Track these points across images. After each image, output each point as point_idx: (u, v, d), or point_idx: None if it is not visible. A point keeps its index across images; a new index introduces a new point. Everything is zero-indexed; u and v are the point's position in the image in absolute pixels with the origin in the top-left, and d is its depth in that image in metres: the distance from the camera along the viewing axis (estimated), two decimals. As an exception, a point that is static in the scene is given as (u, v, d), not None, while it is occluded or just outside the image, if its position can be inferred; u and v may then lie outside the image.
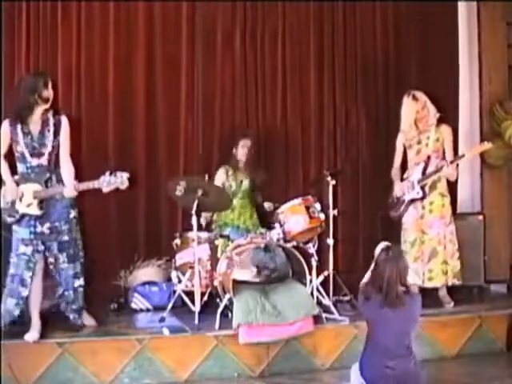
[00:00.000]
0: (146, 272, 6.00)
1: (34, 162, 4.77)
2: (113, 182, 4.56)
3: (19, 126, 4.77)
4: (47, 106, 4.82)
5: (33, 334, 4.69)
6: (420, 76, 6.78)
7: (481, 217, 6.53)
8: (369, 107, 6.85)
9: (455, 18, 6.91)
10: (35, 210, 4.74)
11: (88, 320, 5.11)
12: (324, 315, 5.14)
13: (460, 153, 5.90)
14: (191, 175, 5.87)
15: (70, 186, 4.71)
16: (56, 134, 4.81)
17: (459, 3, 6.92)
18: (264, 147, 6.57)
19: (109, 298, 5.88)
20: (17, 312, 4.76)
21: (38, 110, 4.79)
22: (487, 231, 6.47)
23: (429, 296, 5.68)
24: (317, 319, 5.06)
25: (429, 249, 5.60)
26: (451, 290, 5.75)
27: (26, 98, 4.74)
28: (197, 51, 6.46)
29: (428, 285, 5.61)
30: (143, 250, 6.21)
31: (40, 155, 4.78)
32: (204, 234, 5.65)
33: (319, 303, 5.27)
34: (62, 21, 6.05)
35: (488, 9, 6.78)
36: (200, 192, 5.19)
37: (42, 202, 4.75)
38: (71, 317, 4.96)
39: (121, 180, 4.56)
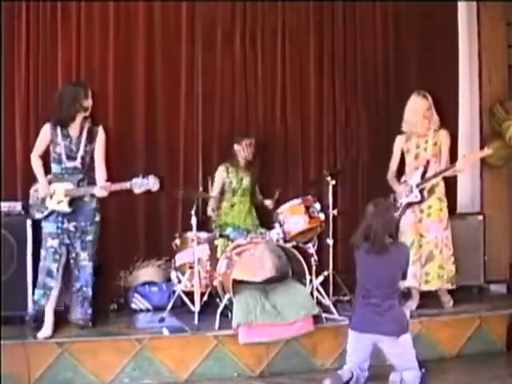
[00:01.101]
0: (146, 272, 6.00)
1: (70, 164, 5.01)
2: (145, 184, 4.78)
3: (59, 129, 5.02)
4: (87, 114, 5.06)
5: (45, 332, 4.76)
6: (420, 76, 6.77)
7: (481, 217, 6.53)
8: (369, 107, 6.83)
9: (455, 17, 6.91)
10: (65, 208, 4.94)
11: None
12: (324, 315, 5.15)
13: (460, 156, 5.90)
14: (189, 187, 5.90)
15: (101, 186, 4.90)
16: (91, 140, 5.05)
17: (459, 3, 6.92)
18: (264, 147, 6.56)
19: (109, 298, 5.89)
20: (43, 302, 4.88)
21: (79, 118, 5.04)
22: (487, 231, 6.47)
23: (429, 296, 5.71)
24: (317, 319, 5.07)
25: (426, 252, 5.60)
26: (451, 290, 5.74)
27: (68, 107, 5.00)
28: (197, 51, 6.45)
29: (424, 288, 5.62)
30: (143, 250, 6.20)
31: (75, 158, 5.01)
32: (204, 234, 5.65)
33: (319, 303, 5.28)
34: (61, 21, 6.05)
35: (488, 9, 6.78)
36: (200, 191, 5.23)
37: (72, 201, 4.94)
38: (81, 312, 5.00)
39: (153, 182, 4.77)
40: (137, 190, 4.81)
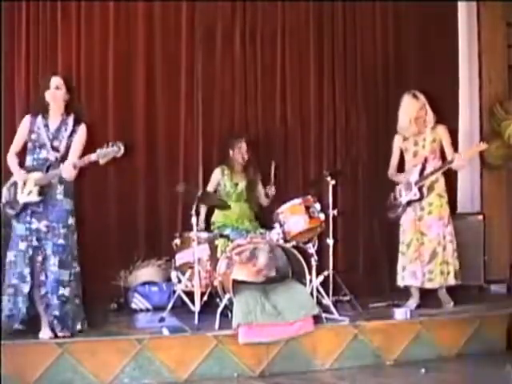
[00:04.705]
0: (146, 272, 6.01)
1: (43, 154, 4.82)
2: (109, 151, 4.58)
3: (40, 118, 4.87)
4: (57, 105, 4.85)
5: (47, 331, 4.71)
6: (420, 76, 6.78)
7: (481, 217, 6.54)
8: (369, 107, 6.84)
9: (455, 18, 6.91)
10: (34, 197, 4.74)
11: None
12: (324, 315, 5.13)
13: (459, 151, 5.91)
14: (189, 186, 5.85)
15: (67, 164, 4.69)
16: (70, 136, 4.86)
17: (459, 3, 6.93)
18: (264, 147, 6.57)
19: (109, 298, 5.89)
20: (24, 309, 4.73)
21: (53, 109, 4.86)
22: (487, 231, 6.48)
23: (429, 296, 5.71)
24: (317, 319, 5.05)
25: (429, 250, 5.59)
26: (451, 290, 5.74)
27: (38, 98, 4.91)
28: (197, 51, 6.46)
29: (428, 286, 5.61)
30: (143, 250, 6.20)
31: (50, 148, 4.81)
32: (204, 234, 5.66)
33: (319, 303, 5.27)
34: (61, 21, 6.06)
35: (488, 9, 6.80)
36: (200, 192, 5.23)
37: (42, 190, 4.75)
38: (49, 319, 4.76)
39: (117, 148, 4.58)
40: (102, 160, 4.61)
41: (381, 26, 6.90)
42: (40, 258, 4.76)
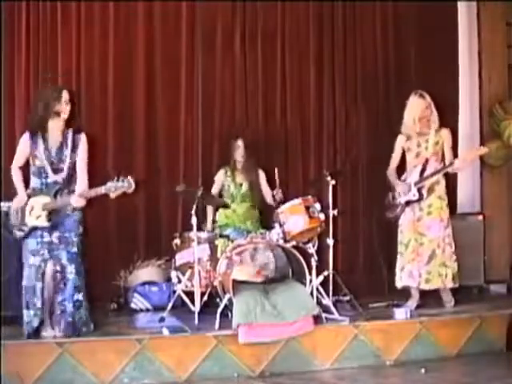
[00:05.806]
0: (146, 272, 6.01)
1: (51, 178, 4.80)
2: (120, 186, 4.59)
3: (40, 141, 4.81)
4: (60, 119, 4.80)
5: (48, 331, 4.72)
6: (420, 76, 6.78)
7: (481, 217, 6.54)
8: (369, 107, 6.84)
9: (455, 18, 6.91)
10: (43, 222, 4.75)
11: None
12: (324, 315, 5.14)
13: (459, 155, 5.91)
14: (189, 186, 5.83)
15: (77, 194, 4.73)
16: (74, 150, 4.84)
17: (459, 3, 6.93)
18: (264, 147, 6.57)
19: (108, 298, 5.89)
20: (36, 323, 4.75)
21: (54, 124, 4.80)
22: (487, 231, 6.48)
23: (429, 296, 5.71)
24: (317, 319, 5.06)
25: (428, 251, 5.58)
26: (451, 290, 5.74)
27: (38, 113, 4.81)
28: (197, 51, 6.47)
29: (425, 287, 5.60)
30: (143, 250, 6.21)
31: (57, 171, 4.81)
32: (204, 234, 5.66)
33: (319, 303, 5.27)
34: (61, 21, 6.06)
35: (488, 9, 6.80)
36: (200, 192, 5.23)
37: (50, 214, 4.75)
38: (64, 325, 4.77)
39: (128, 184, 4.59)
40: (112, 194, 4.63)
41: (381, 26, 6.90)
42: (58, 268, 4.79)
